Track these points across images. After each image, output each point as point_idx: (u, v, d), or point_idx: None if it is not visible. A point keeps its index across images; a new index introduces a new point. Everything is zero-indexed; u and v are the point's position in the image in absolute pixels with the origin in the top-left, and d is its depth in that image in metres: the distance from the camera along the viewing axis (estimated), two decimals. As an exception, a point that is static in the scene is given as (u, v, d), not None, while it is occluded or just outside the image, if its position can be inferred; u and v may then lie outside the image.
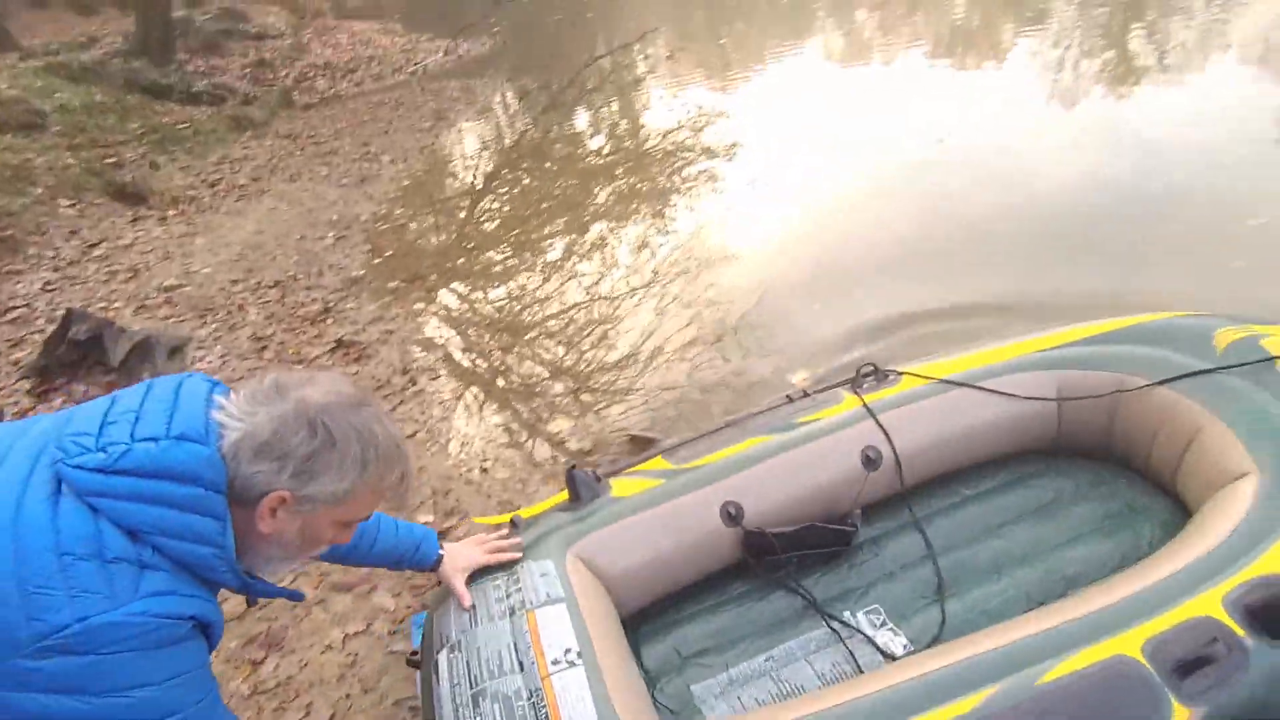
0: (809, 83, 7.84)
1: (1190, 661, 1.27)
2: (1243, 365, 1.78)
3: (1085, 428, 1.99)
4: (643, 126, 7.22)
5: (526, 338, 3.78)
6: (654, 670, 1.75)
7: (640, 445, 2.73)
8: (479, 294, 4.41)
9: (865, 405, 1.99)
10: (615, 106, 8.12)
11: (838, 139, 5.76)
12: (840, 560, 1.91)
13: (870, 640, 1.70)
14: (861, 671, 1.62)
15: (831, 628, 1.74)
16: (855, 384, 2.08)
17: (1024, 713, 1.24)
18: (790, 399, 2.12)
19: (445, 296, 4.41)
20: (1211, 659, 1.27)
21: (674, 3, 14.07)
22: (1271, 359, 1.76)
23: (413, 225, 5.50)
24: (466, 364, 3.66)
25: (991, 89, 6.44)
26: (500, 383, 3.47)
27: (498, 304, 4.23)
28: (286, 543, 1.00)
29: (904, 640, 1.70)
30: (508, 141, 7.62)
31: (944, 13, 9.28)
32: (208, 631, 0.99)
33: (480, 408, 3.27)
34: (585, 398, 3.20)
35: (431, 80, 10.50)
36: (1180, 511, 1.83)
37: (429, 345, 3.84)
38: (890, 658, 1.64)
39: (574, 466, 1.84)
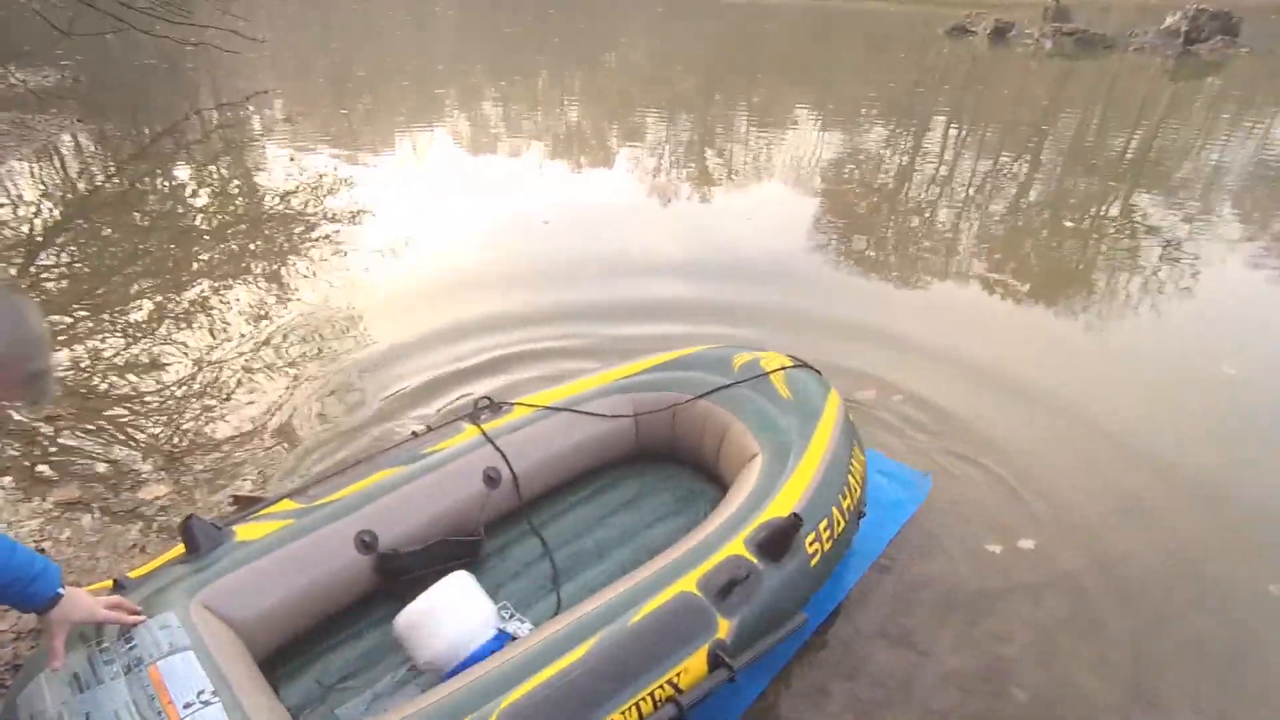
0: (437, 160, 8.24)
1: (726, 585, 1.75)
2: (750, 379, 2.49)
3: (655, 435, 2.55)
4: (258, 187, 6.80)
5: (106, 412, 3.29)
6: (295, 705, 1.74)
7: (245, 505, 2.62)
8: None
9: (484, 433, 2.27)
10: (225, 164, 7.49)
11: (459, 210, 6.22)
12: (470, 569, 2.12)
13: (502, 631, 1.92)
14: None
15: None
16: (474, 415, 2.35)
17: (621, 646, 1.59)
18: (415, 434, 2.30)
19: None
20: (738, 581, 1.77)
21: (292, 70, 13.51)
22: (766, 374, 2.49)
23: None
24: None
25: (595, 182, 7.54)
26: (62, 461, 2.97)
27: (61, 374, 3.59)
28: None
29: (529, 625, 1.97)
30: (81, 189, 6.50)
31: (559, 117, 10.61)
32: None
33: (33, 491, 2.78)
34: (187, 461, 2.95)
35: (-34, 109, 8.42)
36: (723, 488, 2.45)
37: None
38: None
39: (189, 516, 1.76)
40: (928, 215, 6.66)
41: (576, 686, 1.51)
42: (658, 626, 1.65)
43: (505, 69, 14.53)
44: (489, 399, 2.41)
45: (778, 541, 1.86)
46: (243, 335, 3.95)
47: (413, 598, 1.98)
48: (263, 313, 4.24)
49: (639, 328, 4.05)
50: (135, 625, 1.50)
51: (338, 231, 5.61)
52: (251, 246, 5.34)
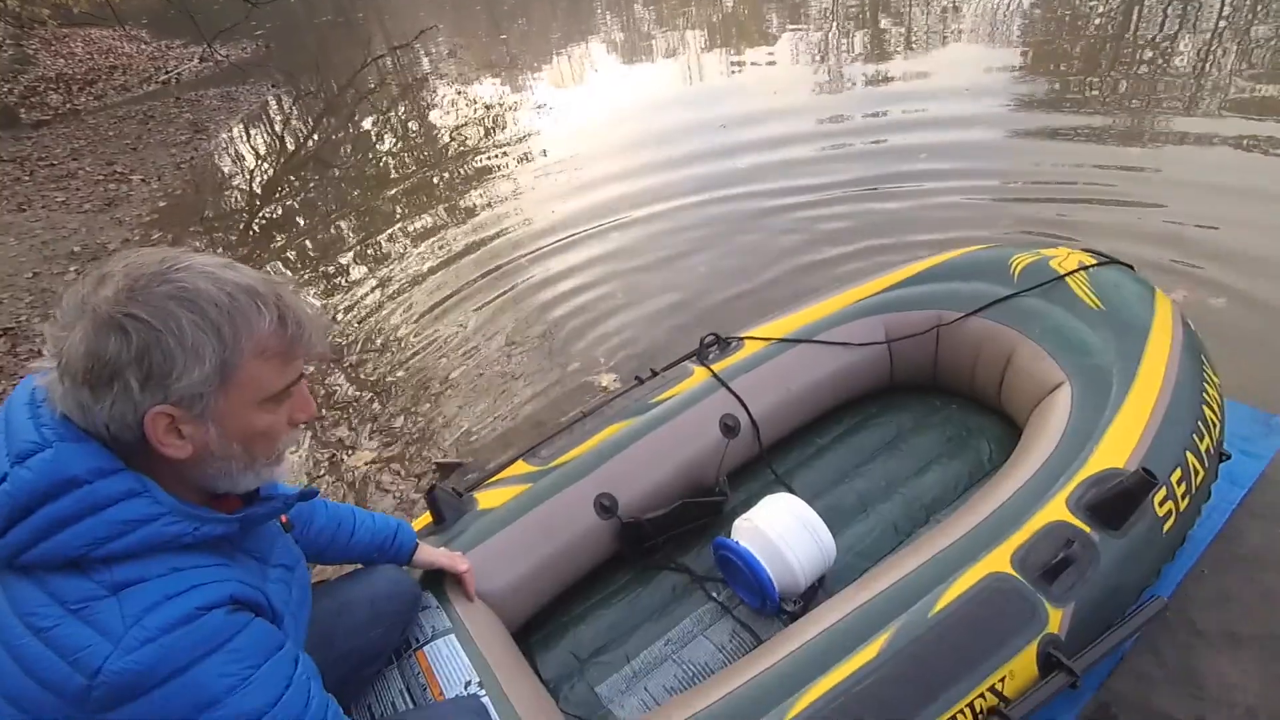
0: (597, 73, 7.87)
1: (1054, 565, 1.35)
2: (1038, 286, 1.95)
3: (914, 363, 2.11)
4: (434, 126, 6.88)
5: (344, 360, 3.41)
6: (554, 680, 1.62)
7: (447, 471, 2.52)
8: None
9: (715, 375, 1.97)
10: (401, 108, 7.67)
11: (627, 125, 5.78)
12: (716, 529, 1.88)
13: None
14: (758, 637, 1.60)
15: (717, 600, 1.70)
16: (701, 355, 2.05)
17: (924, 644, 1.26)
18: (640, 380, 2.05)
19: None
20: (1070, 559, 1.35)
21: (449, 3, 13.59)
22: (1060, 277, 1.94)
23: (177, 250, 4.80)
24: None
25: (761, 75, 6.78)
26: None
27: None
28: (224, 454, 0.85)
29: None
30: (286, 149, 6.94)
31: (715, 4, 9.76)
32: (259, 605, 0.87)
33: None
34: (392, 422, 2.91)
35: (186, 90, 9.31)
36: (1009, 425, 1.99)
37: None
38: (783, 614, 1.63)
39: (433, 487, 1.65)
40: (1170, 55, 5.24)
41: (873, 695, 1.21)
42: (968, 617, 1.29)
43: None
44: (716, 335, 2.09)
45: (1119, 505, 1.40)
46: (437, 283, 3.93)
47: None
48: (450, 252, 4.21)
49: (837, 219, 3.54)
50: (468, 574, 1.50)
51: (513, 159, 5.51)
52: (435, 184, 5.39)
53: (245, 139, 7.39)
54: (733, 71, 6.78)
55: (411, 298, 3.79)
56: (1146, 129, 4.23)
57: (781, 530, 1.61)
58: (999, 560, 1.36)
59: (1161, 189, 3.52)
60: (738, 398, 1.95)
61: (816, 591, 1.66)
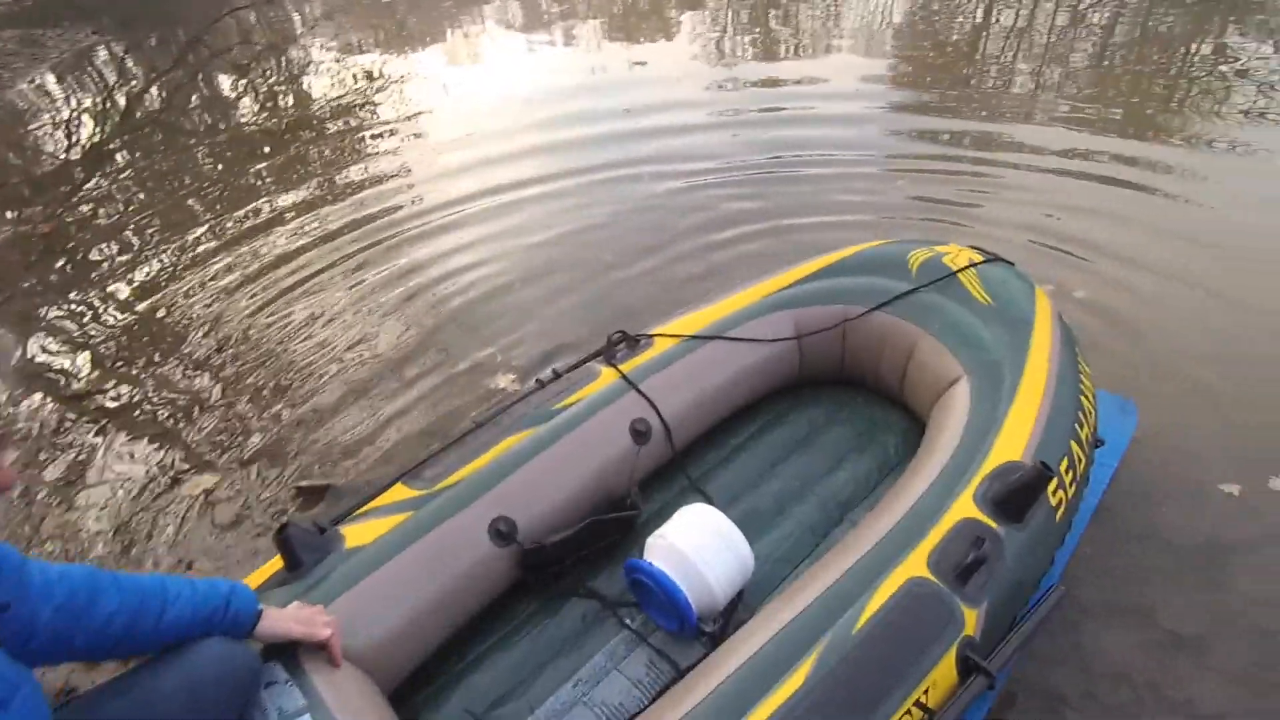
0: (490, 50, 7.39)
1: (967, 565, 1.33)
2: (935, 282, 1.96)
3: (822, 358, 2.08)
4: (306, 93, 6.25)
5: (164, 361, 2.98)
6: (447, 746, 1.45)
7: (313, 497, 2.25)
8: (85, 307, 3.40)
9: (624, 376, 1.85)
10: (268, 71, 6.92)
11: (539, 114, 5.41)
12: (628, 546, 1.76)
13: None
14: (676, 665, 1.51)
15: (631, 628, 1.59)
16: (608, 355, 1.92)
17: (851, 664, 1.21)
18: (541, 383, 1.89)
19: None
20: (982, 559, 1.35)
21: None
22: (954, 273, 1.96)
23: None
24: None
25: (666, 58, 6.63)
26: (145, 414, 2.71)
27: (122, 323, 3.30)
28: None
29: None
30: (119, 108, 6.09)
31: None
32: None
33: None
34: (237, 437, 2.55)
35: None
36: (912, 418, 2.01)
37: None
38: (702, 636, 1.55)
39: (285, 524, 1.41)
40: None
41: None
42: (891, 629, 1.26)
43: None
44: (624, 333, 1.96)
45: (1021, 499, 1.42)
46: (301, 265, 3.56)
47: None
48: (324, 231, 3.83)
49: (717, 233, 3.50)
50: (332, 639, 1.25)
51: (398, 134, 5.10)
52: (307, 156, 4.90)
53: (65, 97, 6.43)
54: (632, 59, 6.52)
55: (274, 282, 3.42)
56: (998, 129, 4.48)
57: (698, 545, 1.51)
58: (916, 564, 1.34)
59: (1013, 191, 3.74)
60: (649, 400, 1.84)
61: (736, 607, 1.59)
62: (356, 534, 1.49)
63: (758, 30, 7.00)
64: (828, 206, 3.57)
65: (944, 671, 1.26)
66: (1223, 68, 5.14)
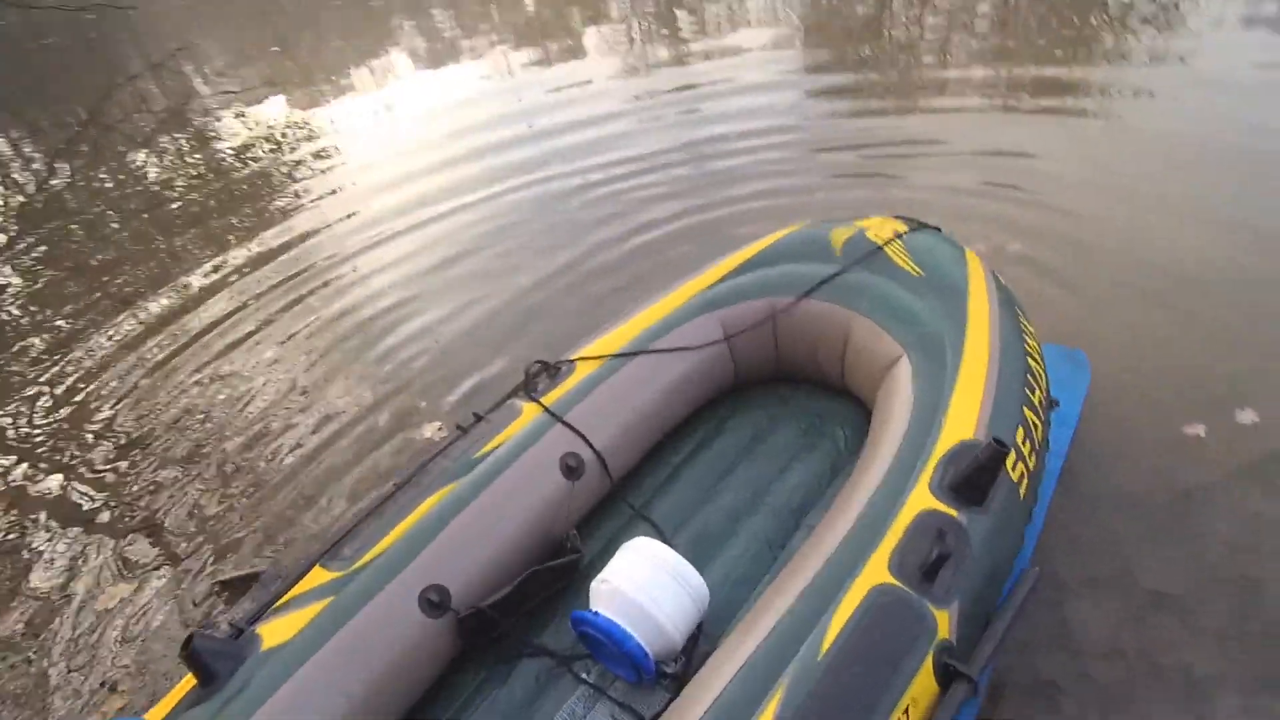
0: (396, 82, 7.23)
1: (932, 563, 1.23)
2: (861, 260, 1.87)
3: (756, 357, 1.97)
4: (215, 151, 6.03)
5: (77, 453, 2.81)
6: None
7: (239, 589, 2.09)
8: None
9: (547, 410, 1.72)
10: (172, 134, 6.68)
11: (450, 153, 5.28)
12: (575, 592, 1.63)
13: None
14: (641, 716, 1.38)
15: (588, 683, 1.46)
16: (528, 388, 1.79)
17: (821, 696, 1.10)
18: (463, 430, 1.76)
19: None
20: (946, 553, 1.24)
21: (215, 17, 12.14)
22: (879, 248, 1.87)
23: None
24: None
25: (569, 70, 6.52)
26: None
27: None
28: None
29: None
30: (22, 194, 5.80)
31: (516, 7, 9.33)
32: None
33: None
34: (149, 527, 2.38)
35: None
36: (858, 404, 1.91)
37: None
38: (664, 679, 1.42)
39: (191, 636, 1.26)
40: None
41: None
42: (859, 649, 1.15)
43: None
44: (542, 363, 1.83)
45: (979, 480, 1.32)
46: (213, 338, 3.37)
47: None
48: (238, 298, 3.65)
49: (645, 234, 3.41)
50: None
51: (308, 186, 4.91)
52: (219, 219, 4.69)
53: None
54: (547, 75, 6.37)
55: (183, 363, 3.22)
56: (913, 92, 4.46)
57: (643, 585, 1.39)
58: (877, 570, 1.23)
59: (934, 147, 3.70)
60: (577, 432, 1.71)
61: (697, 641, 1.46)
62: (274, 631, 1.34)
63: (665, 32, 6.96)
64: (750, 194, 3.50)
65: (923, 684, 1.15)
66: None
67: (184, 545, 2.28)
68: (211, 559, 2.20)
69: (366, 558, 1.45)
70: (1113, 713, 1.45)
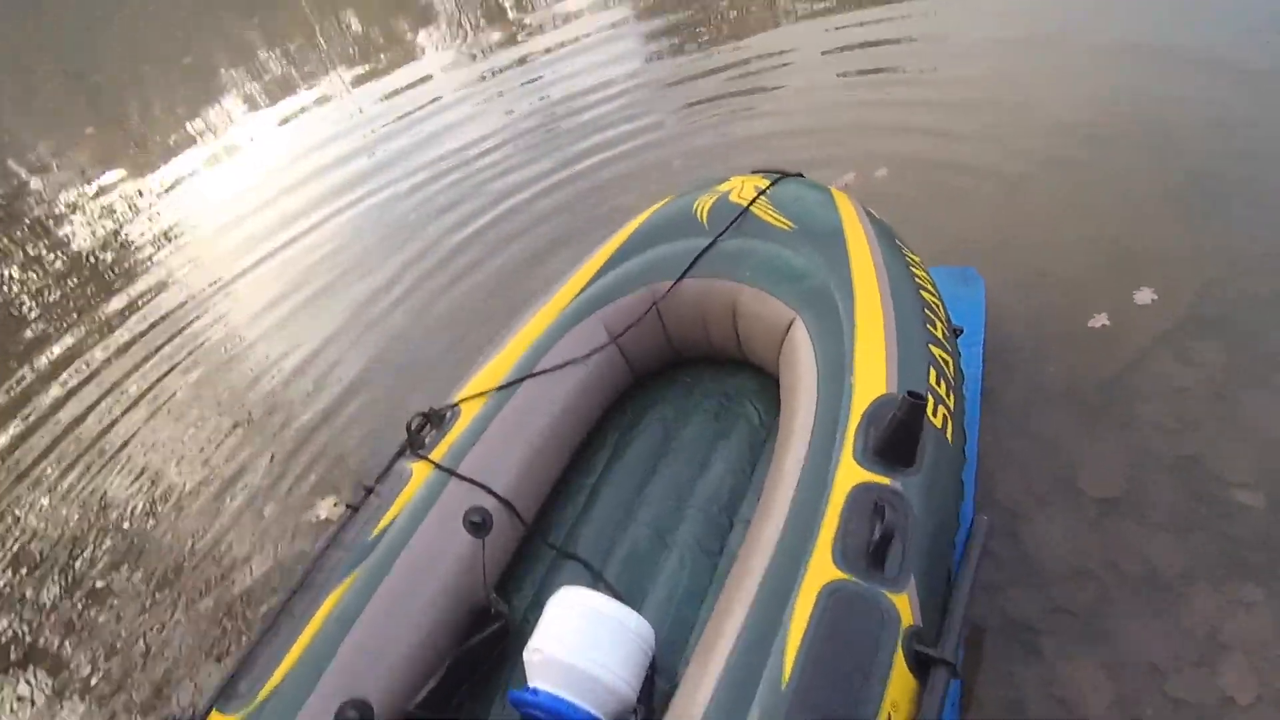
0: (242, 135, 6.71)
1: (877, 544, 1.12)
2: (729, 227, 1.76)
3: (649, 350, 1.86)
4: (61, 240, 5.50)
5: None
6: None
7: None
8: None
9: (438, 466, 1.54)
10: (10, 233, 6.06)
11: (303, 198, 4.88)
12: (514, 657, 1.48)
13: None
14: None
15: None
16: (414, 445, 1.61)
17: None
18: (354, 508, 1.56)
19: None
20: (890, 529, 1.14)
21: (20, 100, 11.13)
22: (745, 210, 1.76)
23: None
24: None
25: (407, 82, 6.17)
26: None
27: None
28: None
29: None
30: None
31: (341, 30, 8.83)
32: None
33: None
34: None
35: None
36: (761, 372, 1.81)
37: None
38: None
39: None
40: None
41: None
42: (824, 663, 1.03)
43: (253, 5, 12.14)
44: (424, 414, 1.64)
45: (903, 440, 1.23)
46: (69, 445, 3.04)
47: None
48: (94, 395, 3.30)
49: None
50: None
51: (160, 258, 4.51)
52: (74, 308, 4.26)
53: None
54: (384, 88, 6.04)
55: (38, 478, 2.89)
56: (747, 36, 4.39)
57: (579, 645, 1.25)
58: (822, 567, 1.12)
59: (784, 80, 3.63)
60: (476, 483, 1.54)
61: (654, 682, 1.33)
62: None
63: (495, 16, 6.72)
64: (609, 140, 3.45)
65: (900, 683, 1.04)
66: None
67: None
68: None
69: (267, 688, 1.26)
70: (1095, 641, 1.39)
